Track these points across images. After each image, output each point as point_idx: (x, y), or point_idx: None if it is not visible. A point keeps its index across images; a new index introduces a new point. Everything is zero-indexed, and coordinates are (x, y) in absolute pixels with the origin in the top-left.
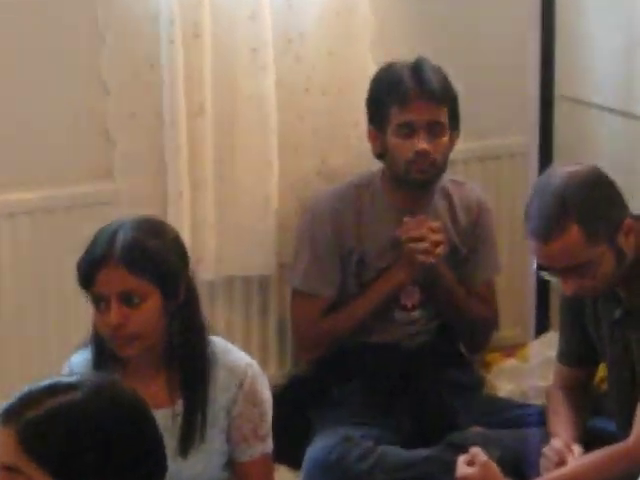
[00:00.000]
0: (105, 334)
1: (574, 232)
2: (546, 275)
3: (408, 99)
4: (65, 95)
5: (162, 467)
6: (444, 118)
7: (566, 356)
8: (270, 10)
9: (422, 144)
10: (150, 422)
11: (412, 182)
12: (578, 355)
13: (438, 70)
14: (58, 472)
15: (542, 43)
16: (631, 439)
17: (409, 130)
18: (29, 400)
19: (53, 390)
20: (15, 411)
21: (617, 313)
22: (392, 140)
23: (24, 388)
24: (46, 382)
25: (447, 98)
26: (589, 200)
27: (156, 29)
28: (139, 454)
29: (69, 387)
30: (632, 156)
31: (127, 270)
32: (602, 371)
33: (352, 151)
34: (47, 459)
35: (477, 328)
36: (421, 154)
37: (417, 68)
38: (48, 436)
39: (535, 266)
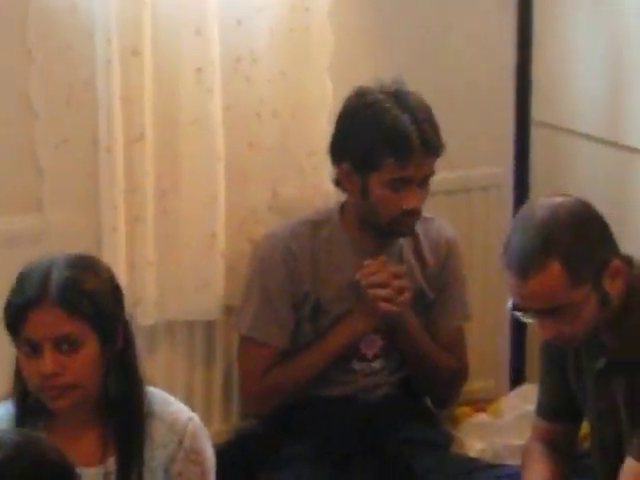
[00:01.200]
0: (34, 384)
1: (555, 270)
2: (522, 316)
3: (412, 157)
4: None
5: None
6: (434, 166)
7: (545, 409)
8: (217, 26)
9: (414, 202)
10: None
11: (393, 234)
12: (559, 408)
13: (427, 108)
14: None
15: (517, 63)
16: None
17: (402, 184)
18: None
19: None
20: None
21: (601, 363)
22: (378, 191)
23: None
24: None
25: (443, 147)
26: (575, 236)
27: (91, 46)
28: None
29: None
30: (617, 189)
31: (64, 312)
32: (586, 428)
33: (307, 183)
34: None
35: (444, 380)
36: (413, 213)
37: (412, 112)
38: None
39: (510, 306)
